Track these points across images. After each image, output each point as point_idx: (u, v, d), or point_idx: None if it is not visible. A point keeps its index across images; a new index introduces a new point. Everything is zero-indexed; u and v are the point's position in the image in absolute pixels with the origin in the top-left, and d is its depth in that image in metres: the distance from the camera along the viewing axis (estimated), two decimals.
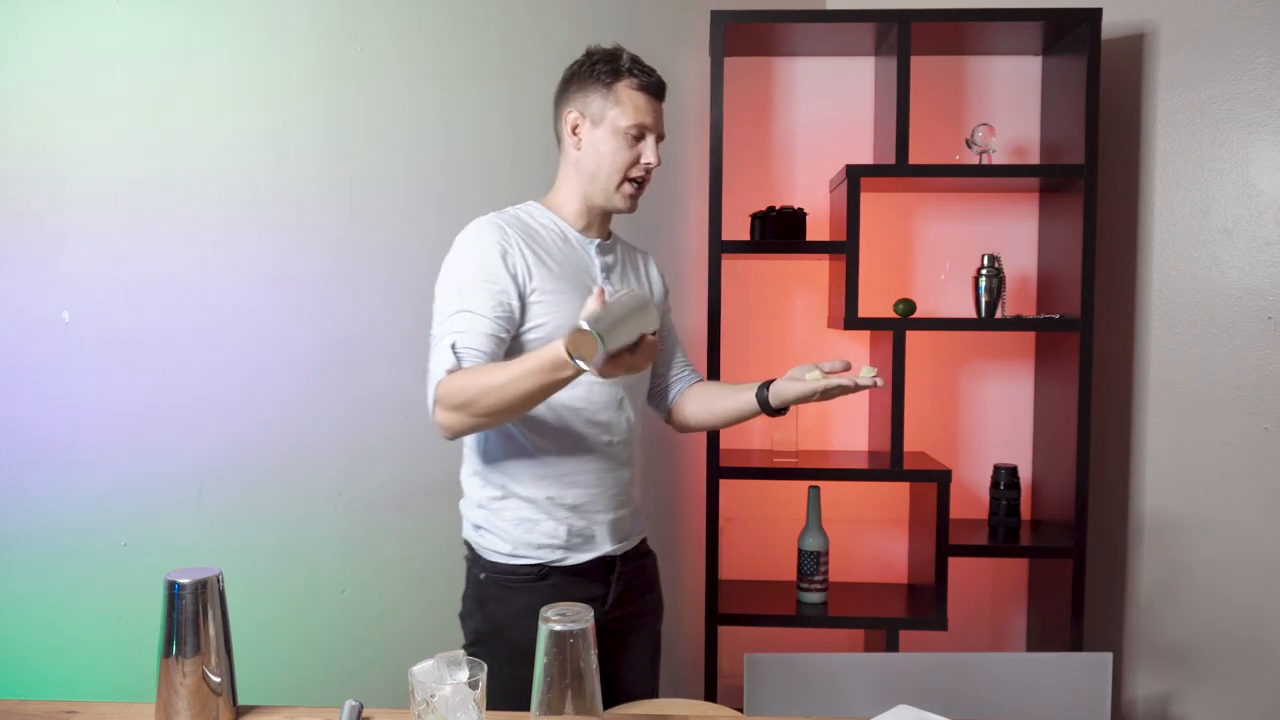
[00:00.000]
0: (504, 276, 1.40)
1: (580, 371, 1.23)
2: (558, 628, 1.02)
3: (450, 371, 1.35)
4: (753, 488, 2.56)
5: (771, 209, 2.31)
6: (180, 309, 1.67)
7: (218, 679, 1.13)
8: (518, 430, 1.46)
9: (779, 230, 2.30)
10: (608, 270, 1.55)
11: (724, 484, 2.34)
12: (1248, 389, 2.42)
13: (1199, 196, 2.44)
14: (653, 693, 1.63)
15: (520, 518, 1.48)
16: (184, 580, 1.11)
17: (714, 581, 2.28)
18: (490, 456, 1.49)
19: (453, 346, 1.36)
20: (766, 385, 1.55)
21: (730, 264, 2.46)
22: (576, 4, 2.15)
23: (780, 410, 1.55)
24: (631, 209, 1.53)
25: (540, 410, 1.43)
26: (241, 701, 1.22)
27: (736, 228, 2.44)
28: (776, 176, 2.57)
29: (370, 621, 1.90)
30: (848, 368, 1.48)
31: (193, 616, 1.11)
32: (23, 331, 1.54)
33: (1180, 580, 2.49)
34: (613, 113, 1.47)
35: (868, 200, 2.40)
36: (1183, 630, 2.49)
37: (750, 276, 2.57)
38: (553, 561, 1.48)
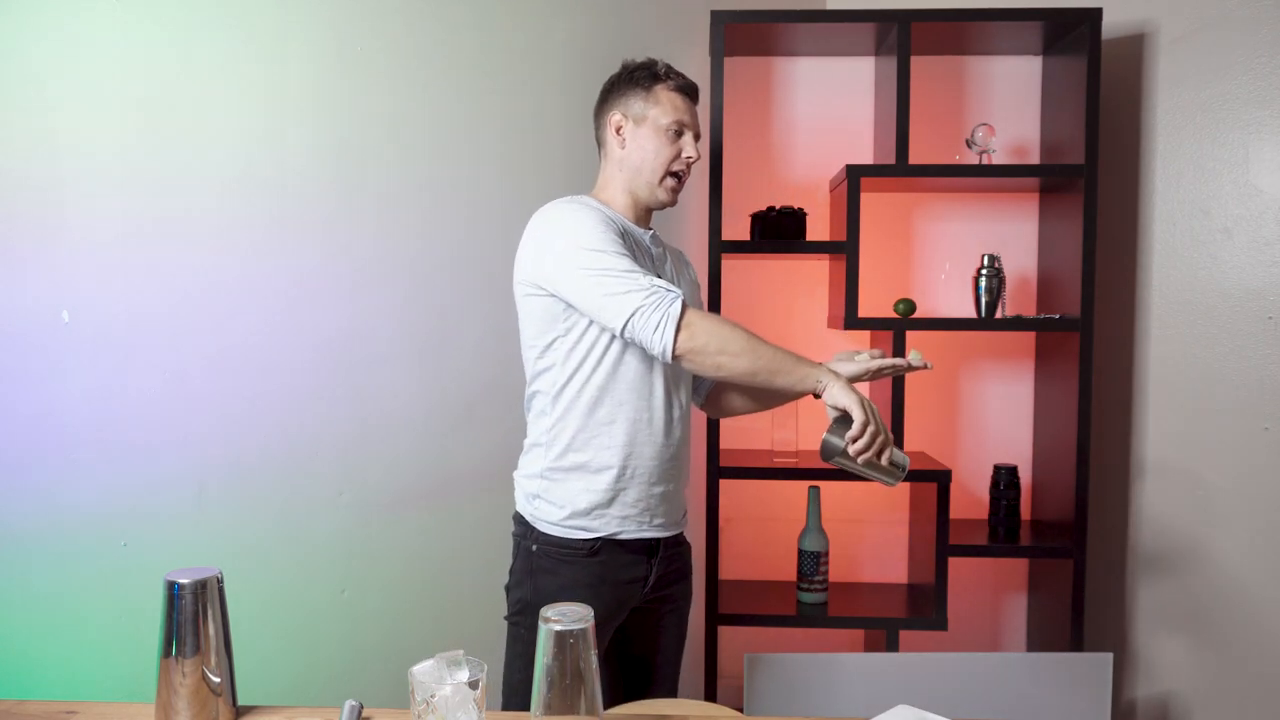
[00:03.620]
0: (620, 239, 1.47)
1: (813, 392, 1.41)
2: (558, 628, 1.02)
3: (687, 306, 1.39)
4: (753, 488, 2.56)
5: (771, 209, 2.31)
6: (180, 309, 1.66)
7: (217, 679, 1.13)
8: (590, 399, 1.50)
9: (779, 230, 2.30)
10: (660, 261, 1.61)
11: (724, 484, 2.34)
12: (1248, 389, 2.42)
13: (1199, 196, 2.44)
14: (677, 676, 1.69)
15: (581, 488, 1.52)
16: (184, 580, 1.11)
17: (714, 581, 2.28)
18: (557, 425, 1.53)
19: (663, 288, 1.40)
20: None
21: (730, 264, 2.46)
22: (578, 3, 2.15)
23: None
24: (673, 202, 1.63)
25: (617, 379, 1.49)
26: (241, 701, 1.22)
27: (736, 228, 2.44)
28: (776, 176, 2.57)
29: (370, 621, 1.90)
30: (884, 356, 1.63)
31: (193, 616, 1.11)
32: (22, 331, 1.54)
33: (1180, 580, 2.49)
34: (654, 112, 1.57)
35: (868, 200, 2.40)
36: (1183, 630, 2.49)
37: (750, 276, 2.57)
38: (608, 535, 1.53)
